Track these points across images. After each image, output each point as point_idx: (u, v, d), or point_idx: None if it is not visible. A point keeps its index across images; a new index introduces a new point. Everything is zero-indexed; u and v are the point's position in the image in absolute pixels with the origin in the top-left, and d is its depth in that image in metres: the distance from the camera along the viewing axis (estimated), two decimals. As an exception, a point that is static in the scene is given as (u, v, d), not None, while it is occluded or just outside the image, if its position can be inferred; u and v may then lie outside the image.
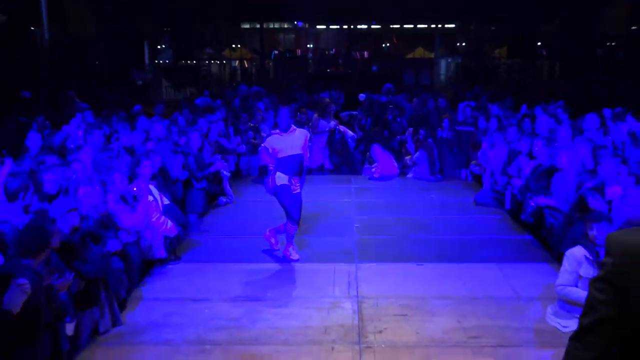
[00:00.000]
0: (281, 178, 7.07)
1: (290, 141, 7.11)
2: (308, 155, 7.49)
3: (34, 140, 8.93)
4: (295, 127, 7.27)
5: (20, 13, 19.40)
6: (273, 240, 7.58)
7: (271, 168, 7.15)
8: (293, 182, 7.11)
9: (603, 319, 2.11)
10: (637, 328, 2.06)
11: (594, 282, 2.15)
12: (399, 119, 12.66)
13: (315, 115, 12.08)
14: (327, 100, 12.74)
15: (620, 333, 2.10)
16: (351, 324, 5.64)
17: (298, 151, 7.13)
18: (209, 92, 15.99)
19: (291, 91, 16.57)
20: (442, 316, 5.78)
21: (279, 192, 7.10)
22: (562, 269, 5.49)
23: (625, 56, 20.40)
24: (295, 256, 7.32)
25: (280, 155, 7.10)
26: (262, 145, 7.25)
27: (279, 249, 7.50)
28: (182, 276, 6.91)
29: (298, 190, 7.18)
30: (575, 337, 2.20)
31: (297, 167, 7.14)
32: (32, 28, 20.08)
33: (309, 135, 7.46)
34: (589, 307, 2.16)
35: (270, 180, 7.13)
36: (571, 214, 7.02)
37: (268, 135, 7.53)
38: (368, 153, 12.23)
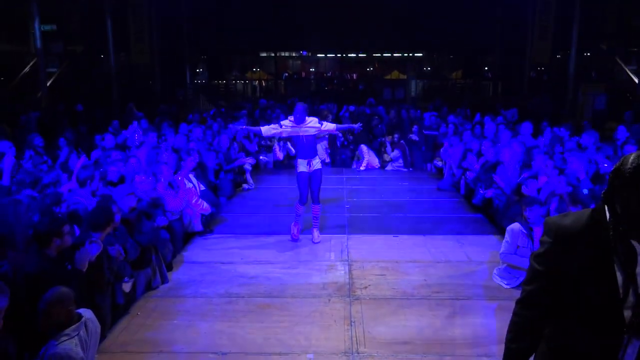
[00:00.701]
0: (301, 164, 6.67)
1: (304, 128, 6.60)
2: (328, 127, 6.83)
3: (109, 140, 8.86)
4: (308, 119, 6.67)
5: (93, 43, 19.31)
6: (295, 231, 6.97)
7: (263, 133, 6.74)
8: (311, 164, 6.64)
9: (543, 286, 2.07)
10: (567, 290, 2.01)
11: (535, 257, 2.10)
12: (380, 126, 12.55)
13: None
14: (326, 111, 12.62)
15: (554, 295, 2.05)
16: (343, 282, 5.59)
17: (311, 132, 6.60)
18: (232, 105, 15.87)
19: (297, 103, 16.45)
20: (412, 276, 5.73)
21: (297, 178, 6.74)
22: (504, 240, 5.42)
23: (549, 78, 20.40)
24: (294, 232, 6.85)
25: (286, 134, 6.79)
26: (278, 123, 6.87)
27: (298, 238, 6.96)
28: (214, 245, 6.86)
29: (317, 168, 6.66)
30: (520, 300, 2.16)
31: (312, 148, 6.67)
32: (102, 56, 19.97)
33: (317, 119, 6.76)
34: (531, 277, 2.12)
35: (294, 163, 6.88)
36: (510, 198, 6.95)
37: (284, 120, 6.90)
38: (356, 151, 12.17)
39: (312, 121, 6.66)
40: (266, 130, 6.76)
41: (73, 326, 3.38)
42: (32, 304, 3.46)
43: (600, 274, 1.93)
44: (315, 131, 6.67)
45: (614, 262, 1.91)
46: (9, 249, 4.07)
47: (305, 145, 6.68)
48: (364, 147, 11.79)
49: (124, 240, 4.87)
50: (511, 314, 2.20)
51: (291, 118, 6.67)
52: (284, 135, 6.92)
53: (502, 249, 5.39)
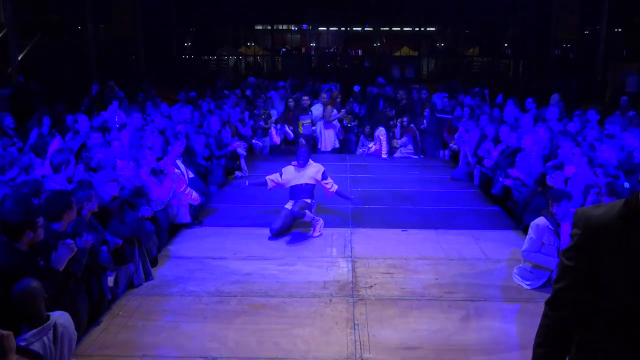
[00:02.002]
0: (288, 204, 7.06)
1: (304, 173, 7.11)
2: (331, 186, 7.28)
3: (83, 121, 8.80)
4: (311, 162, 7.23)
5: (70, 13, 19.17)
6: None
7: (268, 186, 7.20)
8: (295, 205, 6.85)
9: (574, 283, 2.05)
10: (599, 287, 1.99)
11: (564, 253, 2.08)
12: (388, 109, 12.48)
13: (329, 107, 11.97)
14: (336, 92, 12.55)
15: (586, 295, 2.04)
16: (346, 280, 5.58)
17: (308, 181, 7.09)
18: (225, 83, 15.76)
19: (296, 81, 16.33)
20: (422, 274, 5.72)
21: (280, 212, 7.00)
22: (527, 237, 5.39)
23: (575, 57, 20.26)
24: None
25: (288, 185, 7.13)
26: (279, 172, 7.18)
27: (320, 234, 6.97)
28: (204, 238, 6.85)
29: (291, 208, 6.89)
30: (550, 301, 2.14)
31: (304, 194, 7.03)
32: (80, 28, 19.86)
33: (323, 169, 7.25)
34: (561, 274, 2.10)
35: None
36: (533, 188, 6.93)
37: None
38: (361, 135, 12.14)
39: (314, 166, 7.18)
40: (269, 182, 7.16)
41: (35, 330, 3.38)
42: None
43: (634, 269, 1.91)
44: (312, 180, 7.09)
45: None
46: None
47: (301, 191, 7.05)
48: (382, 131, 11.72)
49: (99, 233, 4.84)
50: (532, 317, 2.19)
51: (294, 162, 7.09)
52: (285, 185, 7.22)
53: (525, 246, 5.36)
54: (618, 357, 1.99)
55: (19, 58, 16.39)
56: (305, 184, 7.07)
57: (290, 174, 7.14)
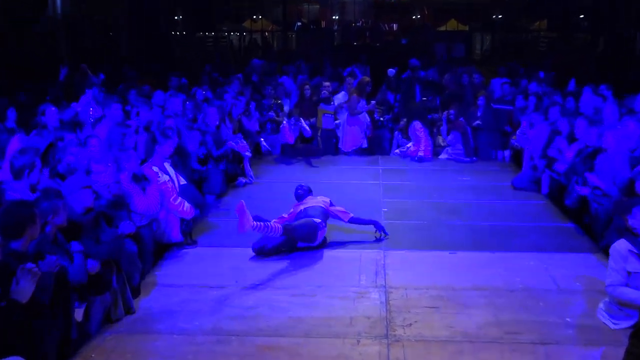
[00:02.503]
0: None
1: (307, 201, 7.50)
2: (345, 212, 7.52)
3: (51, 114, 8.89)
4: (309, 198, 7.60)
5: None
6: None
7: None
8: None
9: None
10: None
11: None
12: (429, 98, 12.45)
13: (355, 96, 11.93)
14: (367, 79, 12.53)
15: None
16: (378, 316, 5.55)
17: (316, 204, 7.38)
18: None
19: (315, 63, 16.47)
20: (476, 309, 5.67)
21: None
22: (609, 266, 5.25)
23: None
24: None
25: (295, 214, 7.37)
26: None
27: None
28: (198, 261, 6.88)
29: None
30: (635, 334, 2.11)
31: (313, 214, 7.17)
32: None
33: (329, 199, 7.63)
34: None
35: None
36: (618, 200, 6.83)
37: None
38: (396, 132, 12.13)
39: (318, 197, 7.56)
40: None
41: None
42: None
43: None
44: (323, 204, 7.39)
45: None
46: None
47: (309, 213, 7.20)
48: (417, 126, 11.71)
49: (67, 254, 4.88)
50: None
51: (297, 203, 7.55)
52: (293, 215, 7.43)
53: (608, 280, 5.21)
54: None
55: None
56: (313, 206, 7.31)
57: (293, 208, 7.50)
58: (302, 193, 7.69)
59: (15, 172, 5.79)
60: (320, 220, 7.07)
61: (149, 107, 10.05)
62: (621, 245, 5.17)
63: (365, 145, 12.22)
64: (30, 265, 4.10)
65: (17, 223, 4.36)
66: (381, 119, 12.30)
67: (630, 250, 5.11)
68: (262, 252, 6.90)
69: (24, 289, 4.04)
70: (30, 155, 5.88)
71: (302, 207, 7.34)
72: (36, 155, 5.95)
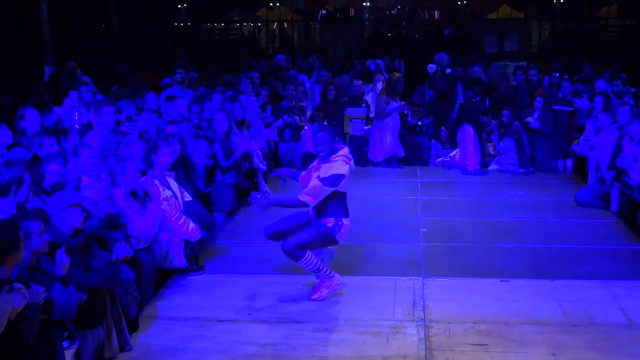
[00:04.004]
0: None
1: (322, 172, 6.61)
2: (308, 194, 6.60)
3: (31, 119, 9.02)
4: (341, 153, 6.69)
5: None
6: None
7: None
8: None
9: None
10: None
11: None
12: (477, 98, 12.46)
13: (383, 95, 12.01)
14: (398, 75, 12.59)
15: None
16: (416, 355, 5.57)
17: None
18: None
19: (342, 59, 16.59)
20: (532, 347, 5.68)
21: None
22: None
23: None
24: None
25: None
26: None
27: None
28: (206, 290, 6.96)
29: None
30: None
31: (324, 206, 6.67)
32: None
33: (341, 170, 6.59)
34: None
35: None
36: None
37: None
38: (435, 138, 12.17)
39: (336, 160, 6.62)
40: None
41: None
42: None
43: None
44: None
45: None
46: None
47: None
48: (468, 131, 11.68)
49: (51, 281, 4.95)
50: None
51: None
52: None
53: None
54: None
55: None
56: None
57: (309, 176, 6.82)
58: (324, 153, 6.66)
59: (1, 188, 5.88)
60: (332, 224, 6.65)
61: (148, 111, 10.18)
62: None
63: (401, 153, 12.23)
64: (18, 284, 4.17)
65: (0, 248, 4.45)
66: (419, 123, 12.32)
67: None
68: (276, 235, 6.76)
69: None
70: (18, 168, 5.94)
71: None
72: (25, 169, 6.02)
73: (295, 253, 6.35)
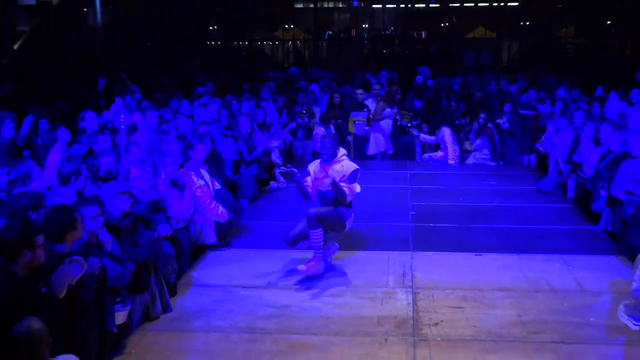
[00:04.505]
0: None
1: (328, 173, 6.45)
2: (349, 190, 6.43)
3: (90, 120, 9.06)
4: (343, 157, 6.59)
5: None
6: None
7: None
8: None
9: None
10: None
11: None
12: (453, 104, 12.46)
13: (382, 103, 12.04)
14: (396, 87, 12.60)
15: None
16: (405, 316, 5.59)
17: (326, 183, 6.31)
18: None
19: (345, 71, 16.54)
20: (501, 309, 5.68)
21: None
22: (638, 272, 5.22)
23: None
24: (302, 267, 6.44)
25: (313, 187, 6.62)
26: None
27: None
28: (232, 262, 6.98)
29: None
30: None
31: (326, 203, 6.61)
32: (85, 10, 20.57)
33: (353, 169, 6.47)
34: None
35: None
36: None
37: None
38: (420, 139, 12.14)
39: (344, 163, 6.50)
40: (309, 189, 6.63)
41: None
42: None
43: None
44: (329, 181, 6.29)
45: None
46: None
47: (325, 199, 6.58)
48: (446, 132, 11.71)
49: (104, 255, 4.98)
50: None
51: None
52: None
53: (634, 284, 5.19)
54: None
55: (15, 47, 17.07)
56: (328, 190, 6.39)
57: (314, 173, 6.65)
58: (327, 155, 6.54)
59: (62, 178, 5.94)
60: (344, 211, 6.58)
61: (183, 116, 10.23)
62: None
63: (390, 150, 12.25)
64: (77, 257, 4.21)
65: (59, 228, 4.48)
66: (409, 124, 12.30)
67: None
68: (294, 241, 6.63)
69: (60, 283, 4.11)
70: (76, 162, 6.02)
71: (318, 187, 6.52)
72: (82, 162, 6.09)
73: (313, 222, 6.25)
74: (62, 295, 4.12)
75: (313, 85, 14.63)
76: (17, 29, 17.45)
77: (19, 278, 4.01)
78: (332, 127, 11.71)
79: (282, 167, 10.01)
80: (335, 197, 6.41)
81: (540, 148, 10.91)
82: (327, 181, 6.26)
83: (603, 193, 7.74)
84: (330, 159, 6.55)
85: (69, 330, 4.23)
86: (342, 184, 6.35)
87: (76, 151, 7.29)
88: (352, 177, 6.48)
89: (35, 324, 3.56)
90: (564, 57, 23.92)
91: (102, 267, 4.69)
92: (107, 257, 4.93)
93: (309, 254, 6.54)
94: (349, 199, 6.48)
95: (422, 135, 12.09)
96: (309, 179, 6.66)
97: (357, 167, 6.57)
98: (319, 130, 11.67)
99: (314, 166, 6.74)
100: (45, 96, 12.57)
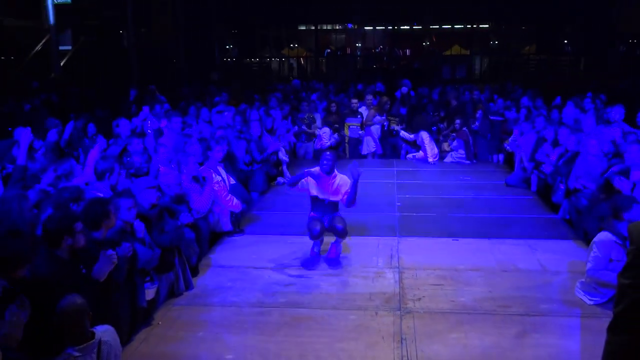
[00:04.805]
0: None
1: (328, 185, 6.36)
2: (347, 197, 6.25)
3: (124, 125, 9.03)
4: (337, 173, 6.42)
5: (111, 19, 19.83)
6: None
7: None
8: (334, 219, 6.39)
9: (634, 302, 1.99)
10: None
11: (622, 273, 2.02)
12: (431, 112, 12.46)
13: (372, 111, 12.03)
14: (386, 98, 12.55)
15: None
16: (393, 292, 5.56)
17: (333, 198, 6.36)
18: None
19: (341, 83, 16.50)
20: (474, 286, 5.65)
21: (308, 219, 6.52)
22: (592, 255, 5.08)
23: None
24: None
25: (312, 194, 6.44)
26: (306, 172, 6.53)
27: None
28: (245, 246, 6.94)
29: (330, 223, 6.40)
30: (611, 325, 2.07)
31: (328, 210, 6.42)
32: (121, 32, 20.53)
33: (350, 182, 6.25)
34: (620, 295, 2.04)
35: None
36: (597, 195, 6.72)
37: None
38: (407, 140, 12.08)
39: (340, 178, 6.37)
40: (300, 184, 6.45)
41: (81, 346, 3.50)
42: (41, 312, 3.58)
43: None
44: (336, 196, 6.34)
45: None
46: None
47: (326, 207, 6.44)
48: (424, 135, 11.66)
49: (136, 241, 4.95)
50: (594, 335, 2.14)
51: (317, 169, 6.39)
52: (312, 193, 6.49)
53: (589, 264, 5.13)
54: None
55: (62, 63, 17.06)
56: (330, 201, 6.39)
57: (313, 182, 6.43)
58: (327, 169, 6.33)
59: (99, 174, 5.93)
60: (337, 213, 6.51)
61: (203, 122, 10.19)
62: (605, 237, 5.05)
63: (379, 151, 12.20)
64: (110, 252, 4.20)
65: (95, 218, 4.46)
66: (396, 128, 12.24)
67: (613, 241, 5.01)
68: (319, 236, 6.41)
69: (102, 271, 4.16)
70: (110, 161, 6.01)
71: (318, 195, 6.42)
72: (115, 161, 6.08)
73: (344, 233, 6.32)
74: (103, 279, 4.17)
75: (314, 95, 14.58)
76: (63, 48, 17.41)
77: (63, 261, 4.03)
78: (333, 134, 11.69)
79: (280, 179, 9.93)
80: (335, 202, 6.42)
81: (508, 148, 10.86)
82: (343, 189, 6.26)
83: (562, 186, 7.71)
84: (330, 171, 6.35)
85: (105, 305, 4.21)
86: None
87: (111, 152, 7.25)
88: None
89: (78, 299, 3.59)
90: (527, 70, 23.87)
91: (134, 251, 4.66)
92: (138, 243, 4.91)
93: (309, 241, 6.46)
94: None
95: (402, 132, 12.03)
96: (309, 179, 6.45)
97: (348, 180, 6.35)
98: (325, 130, 11.70)
99: (315, 175, 6.39)
100: (86, 105, 12.52)
